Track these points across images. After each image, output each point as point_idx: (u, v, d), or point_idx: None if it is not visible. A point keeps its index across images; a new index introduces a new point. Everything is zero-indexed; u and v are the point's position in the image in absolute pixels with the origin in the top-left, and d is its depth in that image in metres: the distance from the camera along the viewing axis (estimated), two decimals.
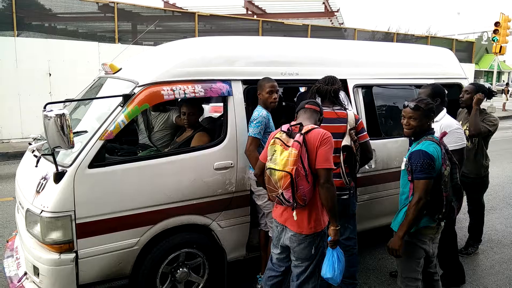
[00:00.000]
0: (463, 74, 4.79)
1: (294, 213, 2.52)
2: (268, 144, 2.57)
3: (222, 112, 3.29)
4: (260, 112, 3.10)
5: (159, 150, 3.64)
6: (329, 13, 16.95)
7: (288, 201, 2.45)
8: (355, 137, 3.15)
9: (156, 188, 2.88)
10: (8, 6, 9.44)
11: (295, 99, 4.96)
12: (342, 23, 18.86)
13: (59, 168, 2.54)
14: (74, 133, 2.51)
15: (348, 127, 3.10)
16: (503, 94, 22.84)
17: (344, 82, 3.74)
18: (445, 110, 3.53)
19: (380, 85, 4.06)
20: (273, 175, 2.45)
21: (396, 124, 4.37)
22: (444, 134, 2.73)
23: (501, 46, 19.44)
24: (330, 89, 3.12)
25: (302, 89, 5.37)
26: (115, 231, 2.77)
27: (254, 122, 3.06)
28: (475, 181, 4.02)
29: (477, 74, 30.45)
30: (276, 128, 3.03)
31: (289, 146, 2.43)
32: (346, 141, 3.07)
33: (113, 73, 3.41)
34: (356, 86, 3.83)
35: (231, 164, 3.15)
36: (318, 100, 3.15)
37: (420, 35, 19.60)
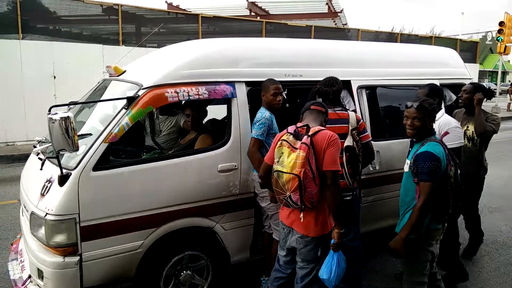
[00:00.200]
0: (468, 74, 4.77)
1: (302, 215, 2.51)
2: (275, 146, 2.56)
3: (226, 114, 3.29)
4: (263, 113, 3.10)
5: (163, 152, 3.65)
6: (332, 14, 16.92)
7: (296, 204, 2.44)
8: (357, 138, 3.16)
9: (160, 191, 2.88)
10: (13, 9, 9.49)
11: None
12: (346, 24, 18.83)
13: (64, 171, 2.55)
14: (78, 135, 2.52)
15: (350, 128, 3.11)
16: (508, 94, 22.71)
17: (348, 83, 3.73)
18: (443, 109, 3.54)
19: (384, 86, 4.04)
20: (280, 177, 2.44)
21: (401, 125, 4.35)
22: (446, 134, 2.72)
23: (505, 46, 19.31)
24: (329, 91, 3.12)
25: None
26: (119, 234, 2.77)
27: (257, 124, 3.05)
28: (473, 183, 3.90)
29: (482, 74, 30.31)
30: (279, 130, 3.03)
31: (296, 148, 2.42)
32: (348, 141, 3.07)
33: (118, 76, 3.42)
34: (360, 87, 3.82)
35: (235, 166, 3.14)
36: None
37: (424, 35, 19.56)
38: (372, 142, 3.70)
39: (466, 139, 3.81)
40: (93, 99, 3.58)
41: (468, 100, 3.81)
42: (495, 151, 4.03)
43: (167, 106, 3.71)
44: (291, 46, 3.85)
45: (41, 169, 2.81)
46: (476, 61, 19.90)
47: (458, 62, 4.79)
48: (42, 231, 2.63)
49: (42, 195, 2.69)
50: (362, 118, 3.71)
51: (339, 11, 16.94)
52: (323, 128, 2.55)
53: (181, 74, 3.04)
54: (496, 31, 19.27)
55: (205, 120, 3.93)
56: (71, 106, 3.47)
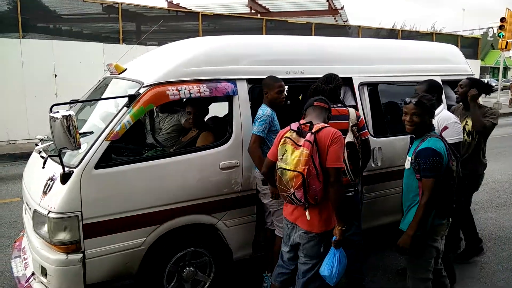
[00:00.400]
0: (470, 70, 4.76)
1: (307, 212, 2.51)
2: (278, 143, 2.56)
3: (228, 112, 3.29)
4: (265, 110, 3.10)
5: (165, 150, 3.65)
6: (333, 11, 16.86)
7: (300, 201, 2.45)
8: (357, 134, 3.18)
9: (162, 188, 2.89)
10: (13, 8, 9.49)
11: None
12: (346, 21, 18.78)
13: (66, 169, 2.56)
14: (80, 134, 2.52)
15: (350, 124, 3.13)
16: (510, 90, 22.64)
17: (349, 80, 3.73)
18: (443, 105, 3.54)
19: (386, 83, 4.04)
20: (284, 175, 2.44)
21: (403, 122, 4.35)
22: (445, 128, 2.72)
23: (507, 42, 19.24)
24: (326, 89, 3.13)
25: None
26: (121, 231, 2.77)
27: (259, 120, 3.05)
28: (470, 178, 3.79)
29: (483, 70, 30.24)
30: (281, 127, 3.03)
31: (300, 146, 2.42)
32: (349, 137, 3.09)
33: (118, 74, 3.42)
34: (362, 84, 3.81)
35: (237, 163, 3.14)
36: None
37: (425, 31, 19.51)
38: (374, 138, 3.73)
39: (465, 134, 3.78)
40: (94, 97, 3.59)
41: (463, 94, 3.77)
42: (497, 146, 4.02)
43: (167, 104, 3.71)
44: (292, 43, 3.84)
45: (43, 167, 2.81)
46: (477, 57, 19.84)
47: (459, 58, 4.78)
48: (45, 229, 2.64)
49: (45, 193, 2.70)
50: (364, 115, 3.72)
51: (340, 8, 16.88)
52: (326, 125, 2.55)
53: (182, 71, 3.04)
54: (497, 27, 19.19)
55: (206, 117, 3.93)
56: (73, 104, 3.47)
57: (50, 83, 9.73)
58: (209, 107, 3.90)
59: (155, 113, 4.16)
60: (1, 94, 9.21)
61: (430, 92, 3.22)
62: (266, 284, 3.41)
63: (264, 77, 3.23)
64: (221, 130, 3.37)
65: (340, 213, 2.50)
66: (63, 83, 9.74)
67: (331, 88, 3.14)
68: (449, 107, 4.01)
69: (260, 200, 3.28)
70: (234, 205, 3.19)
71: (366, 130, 3.34)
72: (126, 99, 2.85)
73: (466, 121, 3.83)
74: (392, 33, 16.96)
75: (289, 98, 4.96)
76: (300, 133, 2.49)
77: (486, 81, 4.10)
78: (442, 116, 3.38)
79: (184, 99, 3.43)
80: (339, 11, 17.00)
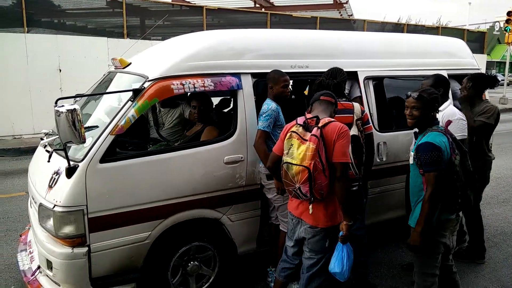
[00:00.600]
0: (476, 64, 4.71)
1: (310, 207, 2.50)
2: (284, 137, 2.55)
3: (232, 106, 3.28)
4: (270, 105, 3.09)
5: (169, 144, 3.65)
6: (338, 4, 16.74)
7: (306, 195, 2.44)
8: (362, 128, 3.20)
9: (166, 182, 2.89)
10: (18, 3, 9.50)
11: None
12: (351, 15, 18.64)
13: (71, 163, 2.56)
14: (85, 128, 2.53)
15: (355, 118, 3.13)
16: None
17: (354, 74, 3.71)
18: (449, 100, 3.50)
19: (392, 77, 4.01)
20: (290, 169, 2.43)
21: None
22: (448, 122, 2.69)
23: None
24: (331, 83, 3.12)
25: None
26: (126, 225, 2.78)
27: (264, 115, 3.04)
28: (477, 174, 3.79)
29: (489, 65, 29.98)
30: (286, 122, 3.02)
31: (306, 140, 2.41)
32: (354, 131, 3.09)
33: (123, 68, 3.41)
34: (367, 78, 3.79)
35: (241, 158, 3.14)
36: None
37: (430, 25, 19.35)
38: (380, 133, 3.71)
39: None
40: (99, 91, 3.59)
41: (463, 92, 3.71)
42: (503, 142, 3.98)
43: (169, 99, 3.71)
44: (297, 37, 3.81)
45: (48, 161, 2.82)
46: (483, 52, 19.67)
47: (466, 52, 4.74)
48: (50, 223, 2.65)
49: (50, 187, 2.71)
50: (369, 110, 3.70)
51: (345, 2, 16.75)
52: (333, 119, 2.54)
53: (187, 66, 3.03)
54: (504, 21, 18.99)
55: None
56: (77, 98, 3.47)
57: (55, 78, 9.76)
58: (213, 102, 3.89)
59: (158, 108, 4.16)
60: (6, 88, 9.25)
61: (436, 87, 3.19)
62: (270, 278, 3.42)
63: (269, 71, 3.21)
64: (225, 124, 3.36)
65: (346, 208, 2.49)
66: (68, 77, 9.77)
67: (336, 83, 3.13)
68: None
69: (264, 194, 3.27)
70: (238, 199, 3.19)
71: (370, 124, 3.35)
72: (130, 93, 2.85)
73: None
74: (397, 27, 16.83)
75: (294, 92, 4.94)
76: (307, 127, 2.48)
77: (493, 73, 4.02)
78: (447, 112, 3.35)
79: (189, 93, 3.43)
80: (344, 5, 16.87)
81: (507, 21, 18.60)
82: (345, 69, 3.28)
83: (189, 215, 3.01)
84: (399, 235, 4.36)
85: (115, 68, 3.62)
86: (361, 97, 3.69)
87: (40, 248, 2.82)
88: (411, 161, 2.73)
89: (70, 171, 2.56)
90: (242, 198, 3.21)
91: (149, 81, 2.90)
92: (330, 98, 2.68)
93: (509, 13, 18.40)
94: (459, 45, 4.78)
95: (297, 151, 2.42)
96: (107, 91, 3.43)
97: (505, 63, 25.53)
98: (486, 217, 4.99)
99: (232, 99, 3.32)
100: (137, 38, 9.95)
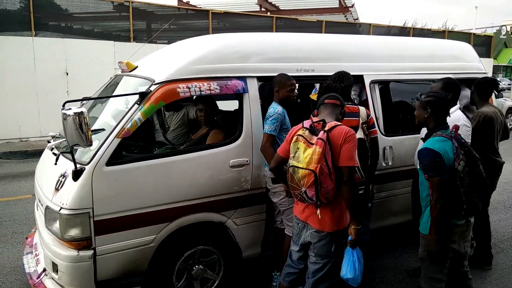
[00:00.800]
0: (483, 68, 4.69)
1: (318, 211, 2.49)
2: (290, 139, 2.55)
3: (238, 109, 3.29)
4: (276, 108, 3.08)
5: (175, 147, 3.66)
6: (343, 8, 16.76)
7: (311, 199, 2.43)
8: (367, 132, 3.21)
9: (172, 186, 2.89)
10: (26, 7, 9.59)
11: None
12: (357, 19, 18.65)
13: (78, 165, 2.57)
14: (92, 131, 2.54)
15: (361, 121, 3.15)
16: None
17: (360, 78, 3.71)
18: (457, 105, 3.45)
19: (398, 81, 3.99)
20: (296, 173, 2.43)
21: (414, 121, 4.30)
22: (456, 127, 2.65)
23: None
24: (338, 87, 3.13)
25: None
26: (132, 228, 2.79)
27: (270, 119, 3.04)
28: None
29: (496, 69, 29.78)
30: (291, 125, 3.01)
31: (312, 144, 2.40)
32: (359, 134, 3.10)
33: (130, 71, 3.43)
34: (373, 82, 3.78)
35: (247, 161, 3.14)
36: None
37: (436, 29, 19.26)
38: (385, 137, 3.69)
39: None
40: (106, 95, 3.60)
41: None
42: (510, 147, 3.94)
43: (173, 102, 3.71)
44: (302, 40, 3.82)
45: (55, 163, 2.83)
46: (490, 56, 19.55)
47: (472, 56, 4.71)
48: (56, 225, 2.66)
49: (57, 189, 2.72)
50: (375, 113, 3.69)
51: (350, 5, 16.77)
52: (339, 123, 2.53)
53: (193, 69, 3.04)
54: (511, 25, 18.89)
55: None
56: (84, 101, 3.49)
57: (62, 81, 9.83)
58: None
59: (163, 111, 4.17)
60: (14, 91, 9.33)
61: (446, 91, 3.19)
62: (275, 283, 3.40)
63: (275, 74, 3.21)
64: (231, 127, 3.36)
65: (354, 212, 2.48)
66: (75, 81, 9.83)
67: (343, 86, 3.14)
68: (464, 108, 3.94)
69: (269, 198, 3.27)
70: (243, 203, 3.18)
71: (376, 128, 3.35)
72: (137, 96, 2.86)
73: None
74: (403, 31, 16.78)
75: (299, 96, 4.94)
76: (313, 131, 2.48)
77: (498, 78, 3.99)
78: (453, 117, 3.27)
79: (194, 97, 3.44)
80: (350, 9, 16.89)
81: None
82: (351, 73, 3.28)
83: (194, 218, 3.01)
84: (405, 240, 4.33)
85: (121, 72, 3.63)
86: (366, 100, 3.68)
87: (46, 250, 2.83)
88: (417, 166, 2.74)
89: (76, 174, 2.57)
90: (247, 201, 3.20)
91: (155, 84, 2.91)
92: (335, 101, 2.67)
93: None
94: (466, 49, 4.76)
95: (303, 154, 2.41)
96: (114, 94, 3.45)
97: (511, 67, 25.37)
98: (492, 223, 4.92)
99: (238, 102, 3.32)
100: (144, 42, 10.03)
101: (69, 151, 2.48)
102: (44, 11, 10.10)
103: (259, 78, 3.26)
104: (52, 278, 2.81)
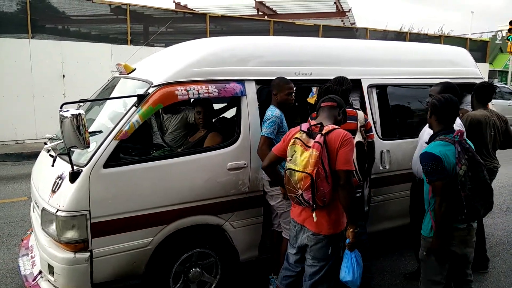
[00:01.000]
0: (479, 73, 4.72)
1: (314, 214, 2.50)
2: (288, 141, 2.55)
3: (235, 112, 3.29)
4: (273, 111, 3.09)
5: (173, 150, 3.65)
6: (340, 13, 16.83)
7: (308, 202, 2.43)
8: (365, 135, 3.25)
9: (169, 188, 2.89)
10: (23, 9, 9.58)
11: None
12: (354, 23, 18.73)
13: (75, 167, 2.56)
14: (89, 133, 2.53)
15: (359, 125, 3.19)
16: None
17: (358, 82, 3.72)
18: None
19: (395, 85, 4.01)
20: (293, 176, 2.43)
21: (412, 125, 4.33)
22: (460, 132, 2.64)
23: None
24: (338, 90, 3.16)
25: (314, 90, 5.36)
26: (129, 231, 2.78)
27: (268, 122, 3.05)
28: None
29: (491, 74, 29.98)
30: (289, 128, 3.02)
31: (309, 147, 2.41)
32: (358, 137, 3.13)
33: (127, 74, 3.43)
34: (370, 86, 3.80)
35: (244, 164, 3.14)
36: None
37: (433, 34, 19.39)
38: (383, 141, 3.71)
39: None
40: (103, 97, 3.60)
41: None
42: (504, 151, 3.97)
43: (171, 105, 3.72)
44: (300, 44, 3.83)
45: (52, 165, 2.82)
46: (486, 61, 19.67)
47: (469, 61, 4.74)
48: (53, 227, 2.65)
49: (53, 191, 2.71)
50: (372, 117, 3.71)
51: (347, 10, 16.84)
52: (337, 126, 2.54)
53: (191, 72, 3.04)
54: (507, 30, 19.06)
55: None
56: (81, 104, 3.48)
57: (58, 83, 9.80)
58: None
59: (161, 115, 4.16)
60: (10, 93, 9.29)
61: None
62: (272, 286, 3.40)
63: (273, 78, 3.22)
64: (229, 130, 3.37)
65: (351, 215, 2.49)
66: (71, 83, 9.81)
67: (343, 89, 3.18)
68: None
69: (267, 201, 3.27)
70: (241, 206, 3.18)
71: (373, 132, 3.39)
72: (135, 98, 2.86)
73: None
74: (400, 36, 16.88)
75: (297, 99, 4.96)
76: (310, 134, 2.48)
77: (492, 82, 4.01)
78: None
79: (192, 99, 3.44)
80: (347, 13, 16.96)
81: (509, 30, 18.68)
82: (349, 77, 3.32)
83: (191, 221, 3.00)
84: (402, 244, 4.34)
85: (119, 74, 3.63)
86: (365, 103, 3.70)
87: (42, 253, 2.81)
88: (415, 170, 2.76)
89: (73, 176, 2.56)
90: (245, 204, 3.20)
91: (153, 86, 2.91)
92: (331, 103, 2.67)
93: (511, 23, 18.46)
94: (462, 54, 4.80)
95: (300, 157, 2.42)
96: (112, 96, 3.44)
97: (507, 72, 25.56)
98: (488, 226, 4.96)
99: (235, 105, 3.33)
100: (141, 44, 10.02)
101: (66, 153, 2.47)
102: (41, 13, 10.09)
103: (257, 81, 3.27)
104: (48, 281, 2.79)
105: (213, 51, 3.26)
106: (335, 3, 16.10)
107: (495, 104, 3.99)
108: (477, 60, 17.33)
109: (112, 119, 3.03)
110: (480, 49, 19.21)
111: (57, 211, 2.60)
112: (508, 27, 18.89)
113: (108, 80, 3.91)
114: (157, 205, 2.85)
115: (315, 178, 2.36)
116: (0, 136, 9.32)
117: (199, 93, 3.00)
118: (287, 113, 3.29)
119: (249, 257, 3.34)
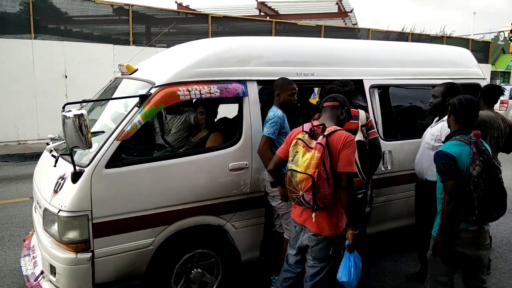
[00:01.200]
0: (482, 74, 4.70)
1: (313, 215, 2.49)
2: (290, 143, 2.55)
3: (237, 113, 3.29)
4: (275, 112, 3.09)
5: (175, 150, 3.65)
6: (342, 13, 16.84)
7: (308, 203, 2.43)
8: (366, 134, 3.26)
9: (171, 189, 2.89)
10: (26, 10, 9.61)
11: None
12: (356, 24, 18.72)
13: (77, 168, 2.56)
14: (91, 133, 2.53)
15: (360, 124, 3.20)
16: None
17: (360, 82, 3.72)
18: None
19: (397, 86, 4.01)
20: (294, 177, 2.43)
21: (414, 126, 4.32)
22: (477, 133, 2.59)
23: None
24: (342, 90, 3.17)
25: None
26: (130, 231, 2.78)
27: (270, 122, 3.04)
28: None
29: (494, 75, 29.90)
30: (291, 129, 3.02)
31: (311, 148, 2.40)
32: (359, 136, 3.14)
33: (130, 74, 3.43)
34: (373, 87, 3.79)
35: (246, 165, 3.14)
36: None
37: (435, 35, 19.35)
38: (385, 142, 3.70)
39: None
40: (105, 97, 3.60)
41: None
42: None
43: (174, 105, 3.72)
44: (302, 45, 3.83)
45: (55, 166, 2.83)
46: (488, 62, 19.65)
47: (471, 61, 4.73)
48: (55, 228, 2.65)
49: (55, 191, 2.71)
50: (374, 118, 3.70)
51: (349, 11, 16.86)
52: (339, 128, 2.53)
53: (193, 72, 3.04)
54: (509, 31, 19.00)
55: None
56: (84, 104, 3.49)
57: (61, 84, 9.83)
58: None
59: (164, 115, 4.17)
60: (12, 94, 9.32)
61: (446, 95, 3.22)
62: (273, 287, 3.39)
63: (275, 78, 3.22)
64: (231, 131, 3.37)
65: (352, 217, 2.48)
66: (73, 84, 9.84)
67: (347, 90, 3.20)
68: None
69: (268, 202, 3.26)
70: (242, 206, 3.18)
71: (374, 129, 3.37)
72: (137, 99, 2.86)
73: None
74: (402, 36, 16.86)
75: (299, 100, 4.96)
76: (312, 135, 2.48)
77: (498, 83, 3.99)
78: (444, 124, 3.20)
79: (194, 100, 3.44)
80: (349, 14, 16.97)
81: (511, 31, 18.59)
82: (351, 78, 3.34)
83: (193, 221, 3.00)
84: (404, 245, 4.33)
85: (121, 74, 3.64)
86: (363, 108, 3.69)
87: (44, 253, 2.81)
88: (417, 171, 2.75)
89: (75, 176, 2.56)
90: (246, 205, 3.20)
91: (155, 87, 2.91)
92: (333, 103, 2.67)
93: None
94: (465, 55, 4.78)
95: (302, 158, 2.41)
96: (114, 96, 3.44)
97: (509, 73, 25.49)
98: (491, 228, 4.92)
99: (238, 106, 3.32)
100: (143, 45, 10.04)
101: (69, 153, 2.48)
102: (44, 14, 10.12)
103: (259, 82, 3.27)
104: (50, 281, 2.79)
105: (215, 51, 3.26)
106: (337, 3, 16.12)
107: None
108: (479, 61, 17.24)
109: (114, 119, 3.03)
110: (482, 50, 19.19)
111: (59, 211, 2.60)
112: (510, 27, 18.82)
113: (110, 81, 3.91)
114: (159, 206, 2.85)
115: (316, 180, 2.35)
116: (2, 136, 9.35)
117: (201, 94, 3.00)
118: (289, 113, 3.29)
119: (250, 258, 3.34)
